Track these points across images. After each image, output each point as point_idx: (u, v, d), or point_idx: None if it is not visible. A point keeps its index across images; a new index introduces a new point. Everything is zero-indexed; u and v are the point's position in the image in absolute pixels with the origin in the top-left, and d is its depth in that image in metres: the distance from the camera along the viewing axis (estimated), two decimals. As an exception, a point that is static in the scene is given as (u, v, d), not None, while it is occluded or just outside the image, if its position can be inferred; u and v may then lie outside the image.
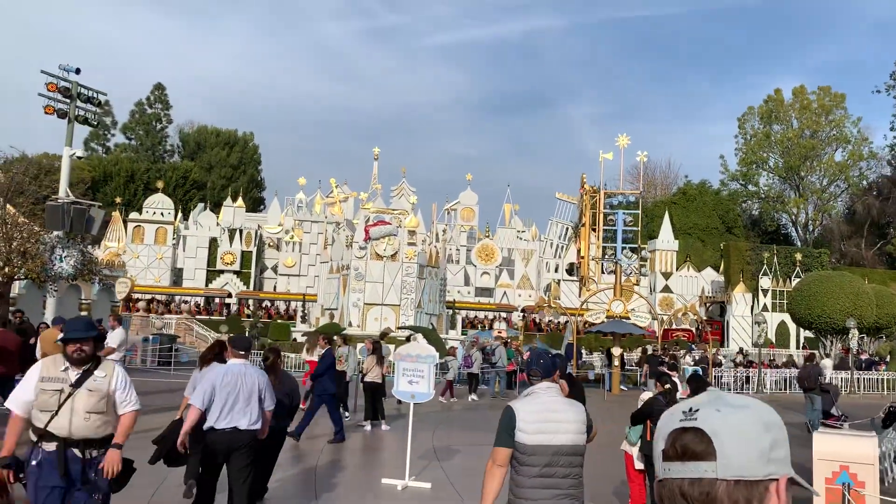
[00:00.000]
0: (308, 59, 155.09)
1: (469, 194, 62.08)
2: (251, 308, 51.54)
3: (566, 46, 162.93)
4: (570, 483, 4.25)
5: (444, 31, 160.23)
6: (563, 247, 61.53)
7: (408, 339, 18.96)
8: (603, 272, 49.76)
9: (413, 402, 8.45)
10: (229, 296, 54.17)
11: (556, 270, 59.32)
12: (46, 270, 17.51)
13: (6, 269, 17.80)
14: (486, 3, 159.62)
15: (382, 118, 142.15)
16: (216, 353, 7.90)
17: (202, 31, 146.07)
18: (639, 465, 7.44)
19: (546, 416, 4.25)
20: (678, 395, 7.48)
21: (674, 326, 36.02)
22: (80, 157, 18.39)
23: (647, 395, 7.78)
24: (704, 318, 44.57)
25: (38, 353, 12.47)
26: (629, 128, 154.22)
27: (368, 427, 14.04)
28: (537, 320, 29.33)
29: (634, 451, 7.46)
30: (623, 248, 24.09)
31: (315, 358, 16.40)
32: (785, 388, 27.86)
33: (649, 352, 24.72)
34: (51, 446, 4.85)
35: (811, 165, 64.71)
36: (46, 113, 17.96)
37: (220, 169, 68.58)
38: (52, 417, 4.85)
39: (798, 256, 54.72)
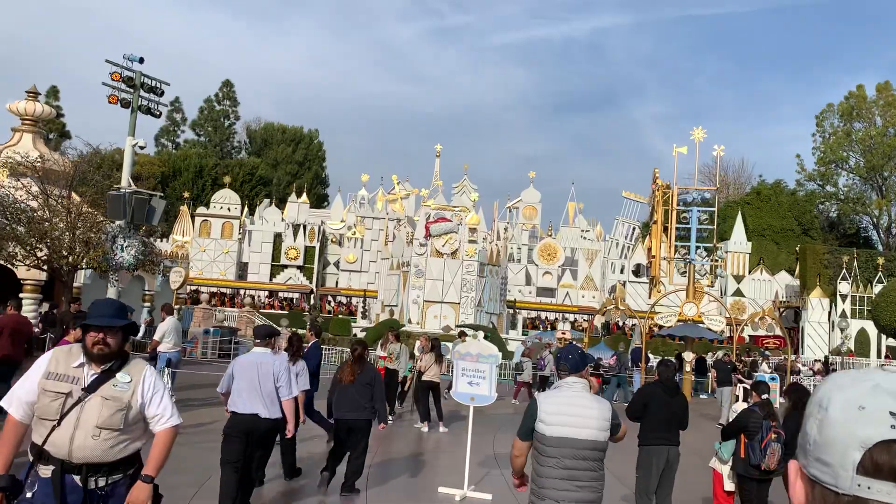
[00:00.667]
0: (374, 58, 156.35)
1: (531, 192, 61.06)
2: (312, 303, 51.94)
3: (633, 45, 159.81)
4: (590, 476, 4.38)
5: (510, 30, 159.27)
6: (629, 247, 59.85)
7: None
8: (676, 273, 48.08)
9: (473, 405, 7.75)
10: (311, 292, 55.07)
11: (622, 271, 57.69)
12: (108, 260, 17.48)
13: (70, 258, 17.87)
14: (552, 1, 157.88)
15: (446, 117, 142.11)
16: (296, 348, 8.64)
17: (269, 31, 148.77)
18: (729, 486, 6.55)
19: (569, 409, 4.40)
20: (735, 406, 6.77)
21: (753, 332, 34.21)
22: (142, 148, 18.33)
23: (740, 406, 6.89)
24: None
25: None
26: (696, 127, 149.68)
27: (425, 428, 13.41)
28: (620, 322, 27.89)
29: (725, 470, 6.59)
30: (697, 248, 22.77)
31: (387, 353, 15.98)
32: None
33: (720, 357, 23.36)
34: (47, 470, 3.63)
35: (895, 165, 61.24)
36: (110, 102, 17.95)
37: (285, 165, 69.30)
38: (52, 430, 3.62)
39: (880, 260, 51.82)
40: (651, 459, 6.50)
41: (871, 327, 50.44)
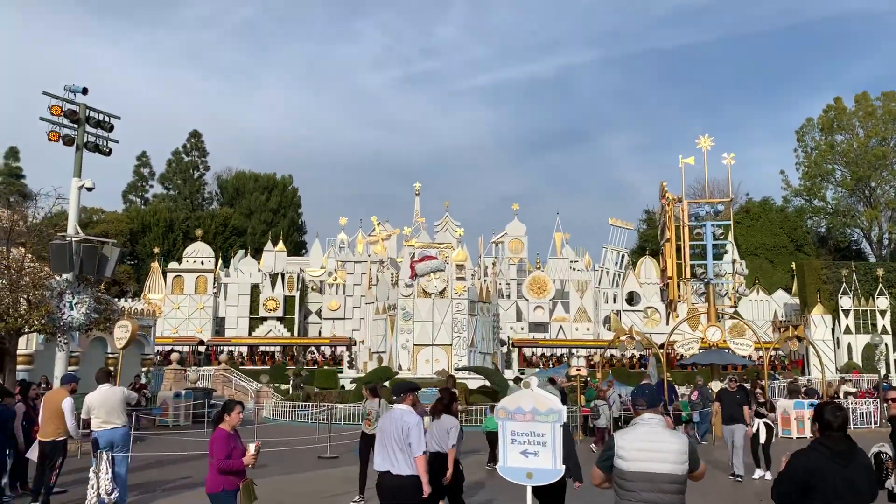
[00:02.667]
0: (345, 107, 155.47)
1: (516, 225, 59.20)
2: (296, 355, 49.14)
3: (599, 80, 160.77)
4: None
5: (479, 73, 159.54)
6: (620, 275, 58.03)
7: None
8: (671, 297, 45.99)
9: (531, 485, 5.39)
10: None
11: (615, 300, 55.82)
12: (54, 320, 15.02)
13: (8, 321, 15.35)
14: (518, 43, 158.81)
15: (421, 161, 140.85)
16: (445, 405, 8.35)
17: (239, 88, 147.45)
18: None
19: (646, 444, 4.50)
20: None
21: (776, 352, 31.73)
22: (89, 189, 16.00)
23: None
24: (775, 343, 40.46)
25: (40, 419, 9.79)
26: (669, 156, 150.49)
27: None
28: (631, 354, 25.35)
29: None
30: (715, 265, 20.84)
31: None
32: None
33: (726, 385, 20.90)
34: None
35: (882, 175, 60.24)
36: (50, 140, 15.68)
37: (259, 214, 66.93)
38: None
39: (880, 272, 50.28)
40: None
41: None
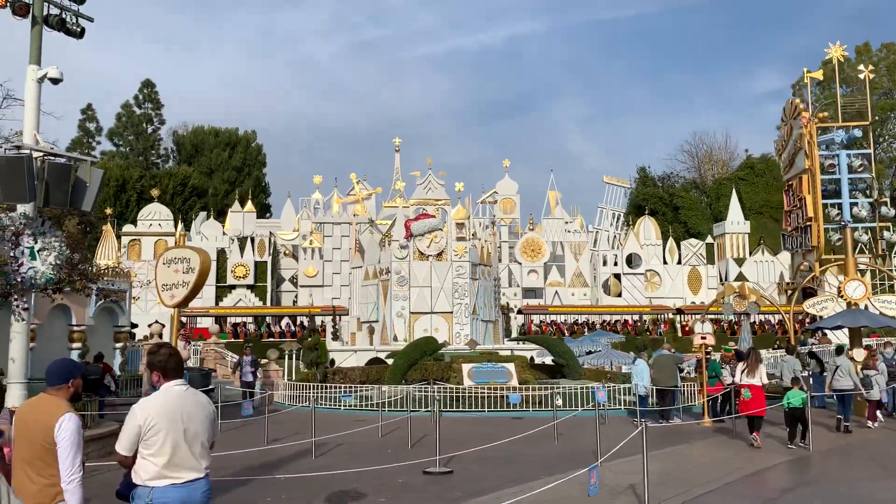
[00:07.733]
0: (294, 77, 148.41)
1: (508, 183, 54.88)
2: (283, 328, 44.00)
3: (547, 50, 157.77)
4: None
5: (429, 42, 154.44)
6: (616, 236, 54.46)
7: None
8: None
9: None
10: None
11: (616, 263, 52.17)
12: (7, 275, 9.91)
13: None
14: (467, 12, 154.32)
15: (371, 132, 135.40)
16: None
17: (183, 57, 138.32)
18: None
19: None
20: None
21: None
22: (55, 82, 10.81)
23: None
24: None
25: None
26: (616, 126, 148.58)
27: None
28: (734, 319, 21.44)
29: None
30: (854, 205, 16.79)
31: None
32: None
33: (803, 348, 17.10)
34: None
35: (889, 129, 57.54)
36: (-6, 4, 10.44)
37: (221, 173, 60.85)
38: None
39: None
40: None
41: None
